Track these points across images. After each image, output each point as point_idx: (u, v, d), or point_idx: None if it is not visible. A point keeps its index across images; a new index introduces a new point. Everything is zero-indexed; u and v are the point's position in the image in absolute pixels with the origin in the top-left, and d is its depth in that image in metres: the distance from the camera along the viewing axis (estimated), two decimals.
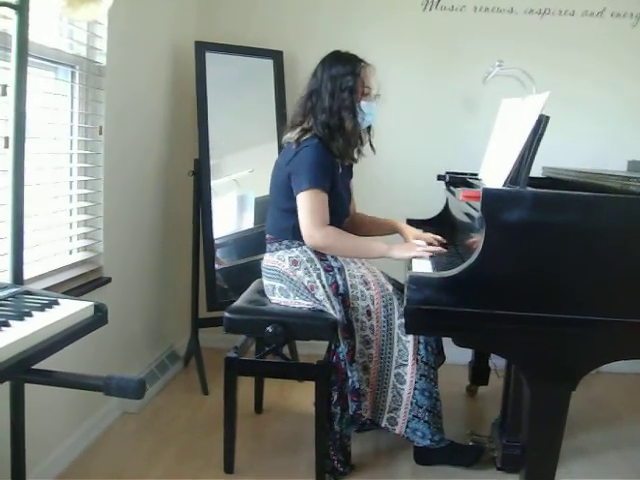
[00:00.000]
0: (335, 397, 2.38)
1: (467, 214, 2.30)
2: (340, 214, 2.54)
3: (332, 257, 2.46)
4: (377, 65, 2.55)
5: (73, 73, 2.48)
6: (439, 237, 2.55)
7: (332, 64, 2.48)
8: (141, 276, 3.10)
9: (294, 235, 2.46)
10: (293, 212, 2.43)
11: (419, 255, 2.37)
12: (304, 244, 2.45)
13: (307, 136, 2.44)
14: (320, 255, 2.45)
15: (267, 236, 2.57)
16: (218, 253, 3.34)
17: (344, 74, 2.45)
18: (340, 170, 2.52)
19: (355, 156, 2.59)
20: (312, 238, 2.39)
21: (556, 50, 3.44)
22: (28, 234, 1.89)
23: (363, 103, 2.47)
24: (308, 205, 2.38)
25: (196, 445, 2.63)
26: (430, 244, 2.48)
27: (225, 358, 2.41)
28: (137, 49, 2.89)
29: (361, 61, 2.49)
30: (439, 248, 2.41)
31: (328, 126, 2.44)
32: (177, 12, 3.39)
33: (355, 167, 2.69)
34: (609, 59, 3.45)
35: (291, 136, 2.48)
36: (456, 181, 2.91)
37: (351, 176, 2.69)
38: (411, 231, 2.67)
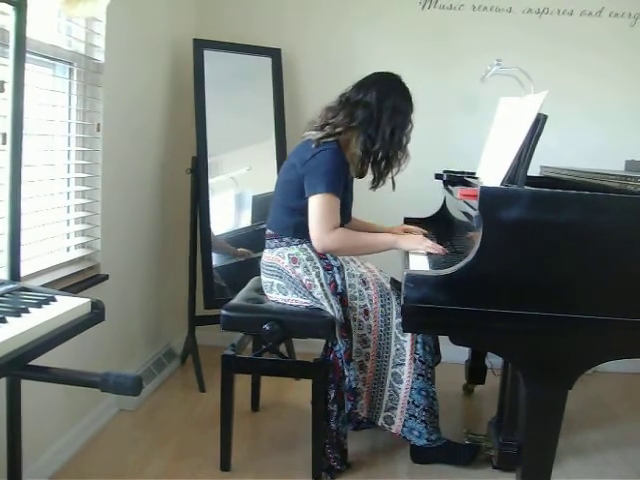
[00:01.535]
0: (332, 395, 2.38)
1: (465, 213, 2.30)
2: (343, 219, 2.54)
3: (332, 256, 2.46)
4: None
5: (71, 70, 2.48)
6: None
7: (396, 94, 2.47)
8: (138, 273, 3.10)
9: (295, 233, 2.46)
10: (298, 211, 2.43)
11: (425, 250, 2.38)
12: (304, 242, 2.45)
13: (329, 139, 2.42)
14: (320, 254, 2.44)
15: (267, 232, 2.57)
16: (215, 251, 3.34)
17: (406, 112, 2.47)
18: (348, 177, 2.52)
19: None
20: (321, 242, 2.38)
21: (554, 49, 3.44)
22: (25, 231, 1.89)
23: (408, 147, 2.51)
24: (321, 209, 2.37)
25: (193, 443, 2.63)
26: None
27: (222, 356, 2.41)
28: (135, 46, 2.89)
29: (413, 106, 2.51)
30: (444, 249, 2.40)
31: (375, 154, 2.47)
32: (175, 9, 3.39)
33: None
34: (608, 59, 3.46)
35: (315, 134, 2.45)
36: (454, 180, 2.90)
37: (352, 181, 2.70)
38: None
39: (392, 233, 2.64)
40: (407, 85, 2.51)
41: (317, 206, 2.37)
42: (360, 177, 2.59)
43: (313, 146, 2.41)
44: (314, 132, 2.47)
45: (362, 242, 2.47)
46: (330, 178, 2.37)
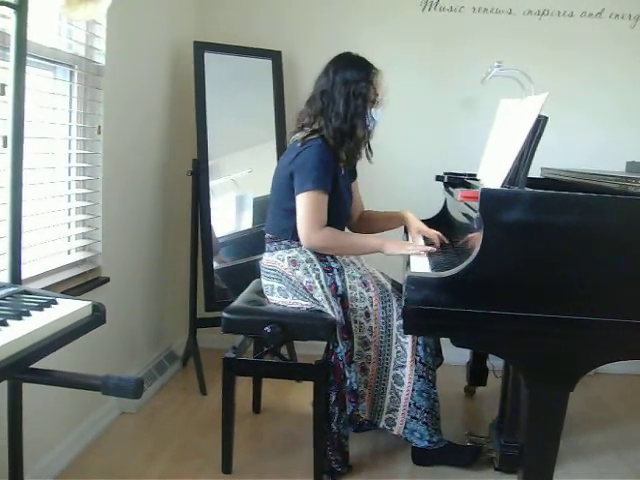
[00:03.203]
0: (333, 397, 2.37)
1: (465, 214, 2.30)
2: (342, 215, 2.54)
3: (332, 258, 2.46)
4: (375, 66, 2.55)
5: (72, 73, 2.48)
6: (441, 235, 2.54)
7: (345, 67, 2.47)
8: (139, 276, 3.10)
9: (294, 235, 2.46)
10: (294, 212, 2.42)
11: (409, 253, 2.38)
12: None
13: (314, 136, 2.43)
14: (320, 256, 2.45)
15: (267, 235, 2.57)
16: (219, 252, 3.34)
17: (358, 80, 2.44)
18: (342, 172, 2.52)
19: (356, 160, 2.59)
20: (309, 240, 2.39)
21: (555, 51, 3.44)
22: (26, 234, 1.89)
23: (374, 111, 2.48)
24: (308, 207, 2.37)
25: (194, 445, 2.63)
26: (432, 244, 2.49)
27: (223, 358, 2.41)
28: (136, 49, 2.89)
29: (373, 67, 2.49)
30: (430, 248, 2.40)
31: (340, 131, 2.44)
32: (176, 12, 3.39)
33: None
34: (608, 60, 3.46)
35: (299, 136, 2.47)
36: (454, 182, 2.91)
37: (354, 177, 2.70)
38: (416, 224, 2.69)
39: (406, 220, 2.73)
40: (355, 54, 2.51)
41: (304, 203, 2.38)
42: (350, 164, 2.57)
43: (299, 145, 2.42)
44: (298, 134, 2.48)
45: (348, 242, 2.49)
46: (316, 174, 2.37)
